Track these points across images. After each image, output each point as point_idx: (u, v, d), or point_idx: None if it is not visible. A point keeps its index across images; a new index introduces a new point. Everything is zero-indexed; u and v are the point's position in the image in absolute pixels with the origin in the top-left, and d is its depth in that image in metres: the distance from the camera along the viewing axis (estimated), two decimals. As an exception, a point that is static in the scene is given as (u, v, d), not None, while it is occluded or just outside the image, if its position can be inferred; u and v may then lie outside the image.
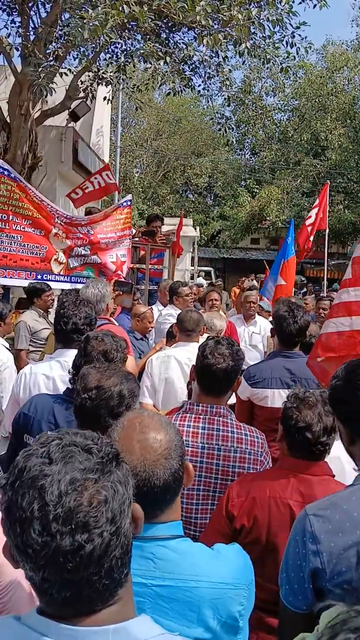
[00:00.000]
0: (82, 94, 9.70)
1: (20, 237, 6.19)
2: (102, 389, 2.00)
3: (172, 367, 4.13)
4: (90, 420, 2.01)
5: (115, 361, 2.59)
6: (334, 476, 2.29)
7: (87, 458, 0.99)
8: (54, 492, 0.94)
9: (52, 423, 2.62)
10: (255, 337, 6.96)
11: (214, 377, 2.57)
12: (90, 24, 5.23)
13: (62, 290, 6.44)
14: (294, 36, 7.83)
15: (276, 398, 3.62)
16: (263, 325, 7.07)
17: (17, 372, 4.11)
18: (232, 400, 3.91)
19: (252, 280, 11.39)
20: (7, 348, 4.17)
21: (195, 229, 16.83)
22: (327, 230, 10.02)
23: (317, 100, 29.08)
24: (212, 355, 2.58)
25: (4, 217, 6.03)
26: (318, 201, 10.34)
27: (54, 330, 3.30)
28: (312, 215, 10.12)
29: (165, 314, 6.14)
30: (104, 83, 9.67)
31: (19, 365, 5.56)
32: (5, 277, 6.01)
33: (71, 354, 3.04)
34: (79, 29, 5.32)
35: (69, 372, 2.70)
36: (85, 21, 5.22)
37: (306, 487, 2.20)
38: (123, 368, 2.48)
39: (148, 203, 31.55)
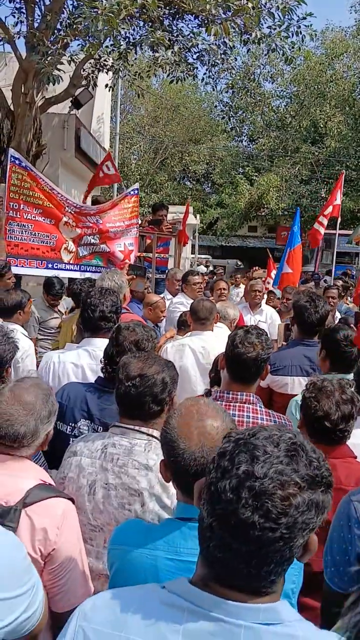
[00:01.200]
0: (84, 82, 9.66)
1: (31, 226, 6.21)
2: (145, 377, 2.06)
3: (186, 355, 4.18)
4: (135, 407, 2.08)
5: (147, 350, 2.65)
6: (356, 457, 2.36)
7: (305, 466, 1.04)
8: (262, 469, 1.01)
9: (85, 411, 2.68)
10: (261, 325, 7.01)
11: (244, 365, 2.64)
12: (104, 15, 5.21)
13: (70, 279, 6.50)
14: (299, 26, 7.82)
15: (296, 385, 3.70)
16: (269, 313, 7.12)
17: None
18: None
19: (256, 270, 11.48)
20: (26, 336, 4.21)
21: (195, 216, 16.84)
22: (339, 219, 10.07)
23: (316, 87, 28.97)
24: (242, 344, 2.64)
25: (15, 206, 6.05)
26: (332, 194, 10.42)
27: (80, 320, 3.34)
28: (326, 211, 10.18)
29: (176, 302, 6.19)
30: (105, 70, 9.63)
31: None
32: (17, 266, 6.03)
33: (98, 343, 3.10)
34: (93, 20, 5.30)
35: (101, 361, 2.75)
36: (99, 12, 5.20)
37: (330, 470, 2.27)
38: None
39: (146, 190, 31.43)
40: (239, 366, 2.67)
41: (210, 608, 1.03)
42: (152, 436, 2.05)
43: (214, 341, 4.08)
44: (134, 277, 5.25)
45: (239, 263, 26.70)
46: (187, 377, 4.17)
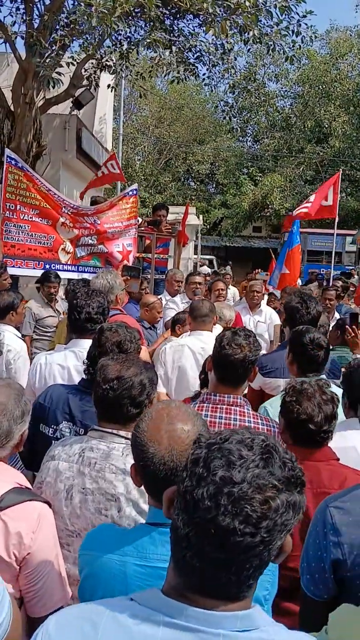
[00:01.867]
0: (85, 82, 9.64)
1: (28, 226, 6.20)
2: (123, 379, 2.02)
3: (185, 355, 4.14)
4: (112, 410, 2.05)
5: (130, 352, 2.61)
6: (338, 459, 2.32)
7: (280, 467, 1.03)
8: (240, 474, 0.99)
9: (67, 413, 2.64)
10: (260, 325, 6.97)
11: (231, 367, 2.60)
12: (99, 12, 5.19)
13: (69, 280, 6.48)
14: (299, 24, 7.78)
15: None
16: (269, 313, 7.08)
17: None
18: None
19: (258, 273, 11.45)
20: (19, 337, 4.19)
21: (198, 217, 16.80)
22: (337, 219, 9.97)
23: (320, 87, 28.90)
24: (230, 346, 2.60)
25: (12, 206, 6.04)
26: (320, 188, 10.26)
27: (67, 321, 3.32)
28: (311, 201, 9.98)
29: (168, 300, 6.19)
30: (107, 70, 9.61)
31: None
32: (13, 266, 6.02)
33: (86, 344, 3.07)
34: (86, 16, 5.28)
35: (83, 362, 2.72)
36: (92, 9, 5.18)
37: (313, 473, 2.22)
38: (139, 358, 2.51)
39: (150, 191, 31.44)
40: (226, 368, 2.64)
41: (187, 619, 1.00)
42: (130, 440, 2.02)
43: (213, 341, 4.03)
44: (128, 278, 5.23)
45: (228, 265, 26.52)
46: (186, 377, 4.14)
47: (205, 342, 4.09)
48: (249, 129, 34.07)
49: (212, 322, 4.26)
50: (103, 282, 4.10)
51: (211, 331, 4.21)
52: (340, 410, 2.52)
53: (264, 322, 6.97)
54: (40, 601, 1.81)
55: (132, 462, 1.91)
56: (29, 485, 1.99)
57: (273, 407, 2.96)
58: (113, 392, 2.01)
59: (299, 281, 10.86)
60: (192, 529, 1.00)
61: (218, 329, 4.50)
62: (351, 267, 21.65)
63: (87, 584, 1.53)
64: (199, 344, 4.09)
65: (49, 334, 6.26)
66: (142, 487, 1.88)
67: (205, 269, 18.55)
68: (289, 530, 1.04)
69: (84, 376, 2.77)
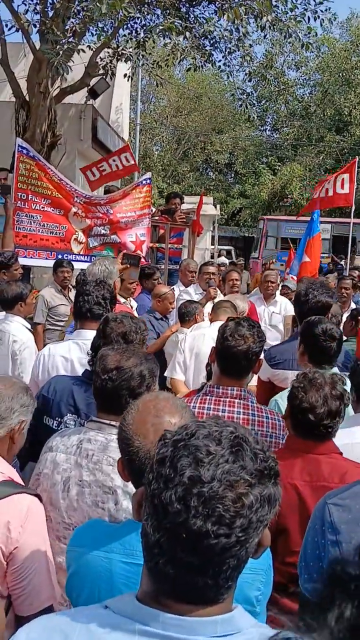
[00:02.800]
0: (101, 71, 9.59)
1: (40, 216, 6.18)
2: (122, 370, 1.99)
3: (205, 343, 4.11)
4: (111, 401, 2.01)
5: (135, 343, 2.57)
6: (341, 453, 2.26)
7: (251, 460, 0.97)
8: (209, 472, 0.94)
9: (72, 405, 2.62)
10: (275, 317, 6.88)
11: (234, 359, 2.54)
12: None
13: (81, 270, 6.46)
14: (316, 11, 7.64)
15: None
16: (284, 304, 6.99)
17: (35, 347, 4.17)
18: (253, 382, 3.90)
19: (273, 263, 11.34)
20: (28, 329, 4.17)
21: (215, 207, 16.66)
22: (353, 207, 9.82)
23: (340, 74, 28.46)
24: (233, 337, 2.54)
25: (23, 196, 6.02)
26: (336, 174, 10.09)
27: (73, 310, 3.29)
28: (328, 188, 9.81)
29: (182, 292, 6.14)
30: (123, 59, 9.54)
31: (35, 338, 5.65)
32: (25, 257, 6.02)
33: (89, 335, 3.03)
34: (97, 3, 5.23)
35: (87, 353, 2.69)
36: (102, -5, 5.13)
37: (313, 466, 2.18)
38: (141, 349, 2.47)
39: (168, 181, 31.31)
40: (229, 360, 2.58)
41: (164, 627, 0.95)
42: (129, 432, 1.98)
43: None
44: (128, 266, 5.18)
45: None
46: (203, 365, 4.11)
47: None
48: (268, 117, 33.72)
49: (233, 312, 4.23)
50: (101, 269, 4.03)
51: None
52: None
53: (279, 313, 6.88)
54: (27, 599, 1.77)
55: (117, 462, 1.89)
56: (20, 481, 1.96)
57: (284, 399, 2.91)
58: (112, 383, 1.98)
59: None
60: (162, 534, 0.95)
61: None
62: (326, 255, 21.69)
63: (74, 582, 1.49)
64: None
65: (60, 324, 6.24)
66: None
67: (223, 260, 18.44)
68: (266, 525, 0.99)
69: (87, 368, 2.74)
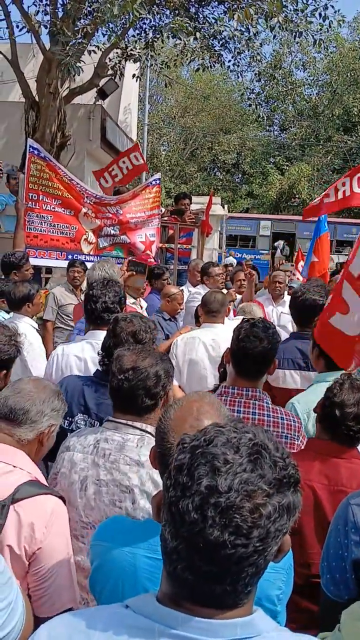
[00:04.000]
0: (110, 72, 9.61)
1: (51, 217, 6.20)
2: (138, 370, 2.00)
3: (196, 348, 4.10)
4: (127, 401, 2.02)
5: (145, 342, 2.59)
6: None
7: (270, 468, 0.97)
8: (226, 482, 0.93)
9: (82, 405, 2.62)
10: (284, 317, 6.83)
11: (249, 360, 2.55)
12: (120, 0, 5.14)
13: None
14: (326, 8, 7.63)
15: (287, 378, 3.58)
16: (293, 304, 6.97)
17: (43, 342, 4.17)
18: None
19: (282, 264, 11.33)
20: (35, 329, 4.17)
21: (223, 207, 16.65)
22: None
23: (348, 74, 28.37)
24: (248, 338, 2.55)
25: (34, 196, 6.04)
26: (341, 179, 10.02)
27: (84, 312, 3.29)
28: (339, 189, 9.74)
29: (194, 292, 6.11)
30: (132, 60, 9.56)
31: (44, 335, 5.67)
32: (36, 257, 6.03)
33: (102, 335, 3.04)
34: (108, 4, 5.24)
35: (98, 353, 2.70)
36: (115, -3, 5.15)
37: (332, 469, 2.18)
38: (155, 349, 2.48)
39: (175, 181, 31.32)
40: (244, 361, 2.59)
41: (184, 629, 0.95)
42: (146, 431, 1.99)
43: (224, 334, 3.98)
44: (134, 273, 5.18)
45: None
46: (197, 369, 4.10)
47: (217, 334, 4.05)
48: (276, 117, 33.66)
49: (224, 315, 4.20)
50: (101, 273, 3.97)
51: (223, 323, 4.15)
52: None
53: (288, 313, 6.86)
54: (48, 600, 1.77)
55: (147, 453, 1.89)
56: (44, 482, 1.97)
57: (300, 402, 2.90)
58: (128, 383, 1.99)
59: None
60: (180, 542, 0.95)
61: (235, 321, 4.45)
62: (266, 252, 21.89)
63: (98, 576, 1.51)
64: (210, 336, 4.05)
65: (70, 323, 6.24)
66: (157, 480, 1.87)
67: (231, 259, 18.43)
68: (285, 533, 0.99)
69: (99, 368, 2.76)
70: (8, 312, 4.24)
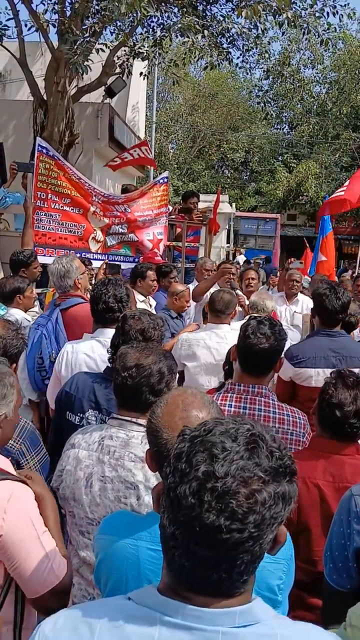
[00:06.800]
0: (118, 70, 9.62)
1: (59, 215, 6.23)
2: (141, 367, 2.02)
3: (199, 349, 4.08)
4: (131, 398, 2.04)
5: (153, 339, 2.60)
6: None
7: (267, 457, 0.99)
8: (223, 468, 0.96)
9: (93, 401, 2.65)
10: (297, 316, 6.78)
11: (256, 357, 2.57)
12: (127, -1, 5.15)
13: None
14: (335, 6, 7.60)
15: (321, 377, 3.53)
16: (306, 303, 6.91)
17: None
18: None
19: (292, 262, 11.31)
20: (28, 320, 4.18)
21: (230, 205, 16.64)
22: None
23: (357, 72, 28.20)
24: (254, 335, 2.56)
25: (43, 195, 6.07)
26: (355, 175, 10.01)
27: (91, 312, 3.31)
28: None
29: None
30: (140, 58, 9.56)
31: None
32: (44, 255, 6.06)
33: (110, 333, 3.06)
34: (116, 3, 5.25)
35: (107, 351, 2.72)
36: (122, -5, 5.15)
37: (336, 467, 2.20)
38: (160, 346, 2.49)
39: (183, 179, 31.28)
40: (251, 358, 2.61)
41: (184, 618, 0.98)
42: (150, 428, 2.01)
43: (230, 337, 3.96)
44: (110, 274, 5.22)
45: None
46: (197, 371, 4.11)
47: (222, 337, 4.03)
48: (284, 115, 33.53)
49: (230, 316, 4.17)
50: (58, 267, 3.96)
51: (229, 324, 4.13)
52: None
53: (301, 312, 6.79)
54: (32, 579, 1.74)
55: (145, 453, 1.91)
56: (9, 469, 1.91)
57: None
58: (132, 380, 2.01)
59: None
60: (177, 527, 0.98)
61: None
62: None
63: (102, 568, 1.54)
64: (216, 339, 4.04)
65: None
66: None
67: (242, 258, 18.42)
68: (281, 522, 1.01)
69: (109, 365, 2.77)
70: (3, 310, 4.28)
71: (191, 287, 6.51)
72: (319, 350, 3.65)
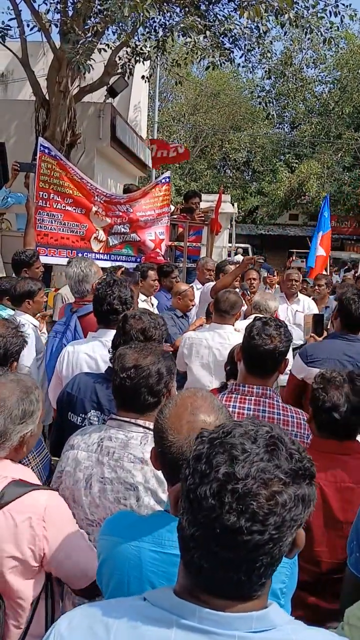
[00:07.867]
0: (120, 70, 9.61)
1: (61, 215, 6.23)
2: (140, 368, 2.02)
3: (202, 349, 4.09)
4: (130, 399, 2.05)
5: (154, 339, 2.60)
6: None
7: (287, 459, 0.99)
8: (244, 469, 0.96)
9: (95, 402, 2.65)
10: (299, 315, 6.80)
11: (260, 358, 2.56)
12: (130, 1, 5.13)
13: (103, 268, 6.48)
14: (337, 5, 7.59)
15: None
16: (306, 302, 6.93)
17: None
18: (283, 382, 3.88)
19: (293, 261, 11.32)
20: (34, 325, 4.12)
21: (232, 205, 16.60)
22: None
23: (359, 71, 28.15)
24: (260, 336, 2.56)
25: (45, 195, 6.07)
26: None
27: (93, 311, 3.30)
28: None
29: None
30: (142, 60, 9.55)
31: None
32: (46, 255, 6.06)
33: (112, 334, 3.05)
34: (119, 4, 5.24)
35: (108, 351, 2.72)
36: (124, -3, 5.13)
37: (337, 467, 2.19)
38: (159, 347, 2.48)
39: (185, 179, 31.27)
40: (256, 359, 2.61)
41: (200, 621, 0.98)
42: (149, 429, 2.00)
43: (233, 338, 3.96)
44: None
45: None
46: (198, 371, 4.11)
47: (226, 337, 4.03)
48: (286, 115, 33.49)
49: (234, 317, 4.16)
50: (76, 271, 3.91)
51: (233, 325, 4.12)
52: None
53: (302, 311, 6.81)
54: (79, 573, 1.81)
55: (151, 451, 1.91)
56: (34, 480, 1.95)
57: None
58: (130, 381, 2.01)
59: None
60: (197, 528, 0.97)
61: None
62: None
63: (104, 569, 1.54)
64: (218, 340, 4.03)
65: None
66: (161, 477, 1.88)
67: (239, 258, 18.39)
68: (300, 525, 1.01)
69: (110, 365, 2.77)
70: (14, 310, 4.26)
71: (193, 286, 6.51)
72: (333, 352, 3.62)
